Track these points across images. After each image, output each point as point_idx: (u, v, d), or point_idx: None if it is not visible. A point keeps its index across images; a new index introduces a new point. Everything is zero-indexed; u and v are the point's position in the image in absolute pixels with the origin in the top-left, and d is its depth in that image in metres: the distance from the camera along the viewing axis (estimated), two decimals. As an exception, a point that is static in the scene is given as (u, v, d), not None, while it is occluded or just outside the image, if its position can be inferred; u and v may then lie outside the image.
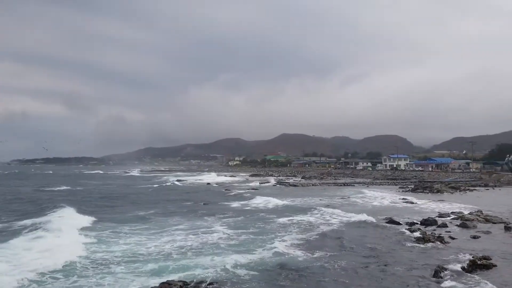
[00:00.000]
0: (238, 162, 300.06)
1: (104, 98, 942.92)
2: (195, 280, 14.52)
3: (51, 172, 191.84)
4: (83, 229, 25.56)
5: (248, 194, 56.20)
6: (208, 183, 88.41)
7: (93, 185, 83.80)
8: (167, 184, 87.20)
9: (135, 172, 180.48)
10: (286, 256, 18.43)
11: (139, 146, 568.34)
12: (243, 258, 17.80)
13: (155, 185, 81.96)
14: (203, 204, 42.70)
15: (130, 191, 65.49)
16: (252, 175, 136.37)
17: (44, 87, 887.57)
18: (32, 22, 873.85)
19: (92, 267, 16.72)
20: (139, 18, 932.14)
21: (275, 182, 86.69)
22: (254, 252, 19.24)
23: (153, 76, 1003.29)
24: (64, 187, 72.58)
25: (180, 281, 14.18)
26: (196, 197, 51.55)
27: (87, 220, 28.96)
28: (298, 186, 77.08)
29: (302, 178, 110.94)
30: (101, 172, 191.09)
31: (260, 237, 23.16)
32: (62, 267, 16.49)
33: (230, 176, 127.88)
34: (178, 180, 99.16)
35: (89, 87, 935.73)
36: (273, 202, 43.12)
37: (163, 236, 23.60)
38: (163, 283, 13.86)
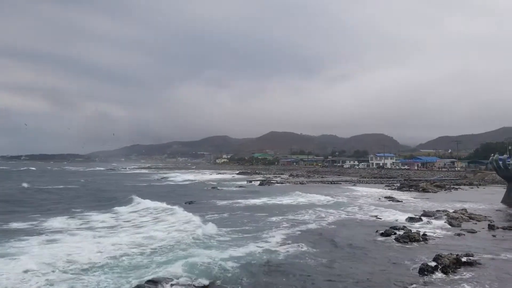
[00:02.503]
0: (225, 160, 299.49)
1: (89, 94, 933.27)
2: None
3: (49, 167, 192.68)
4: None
5: (236, 192, 56.23)
6: (197, 181, 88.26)
7: (119, 180, 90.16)
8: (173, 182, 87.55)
9: (134, 170, 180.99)
10: (273, 252, 18.43)
11: (125, 143, 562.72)
12: (230, 254, 17.80)
13: (186, 183, 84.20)
14: (189, 203, 42.36)
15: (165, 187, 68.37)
16: (239, 173, 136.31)
17: (27, 83, 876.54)
18: (14, 15, 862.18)
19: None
20: (125, 13, 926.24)
21: (262, 180, 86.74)
22: (242, 248, 19.19)
23: (139, 73, 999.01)
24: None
25: (166, 278, 14.08)
26: (181, 195, 51.32)
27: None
28: (285, 184, 77.20)
29: (289, 176, 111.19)
30: (102, 169, 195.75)
31: (247, 235, 23.10)
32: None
33: (218, 174, 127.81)
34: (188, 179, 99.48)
35: (74, 83, 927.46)
36: (260, 200, 43.25)
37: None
38: (148, 280, 13.73)
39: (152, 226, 26.48)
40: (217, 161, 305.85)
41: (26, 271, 14.95)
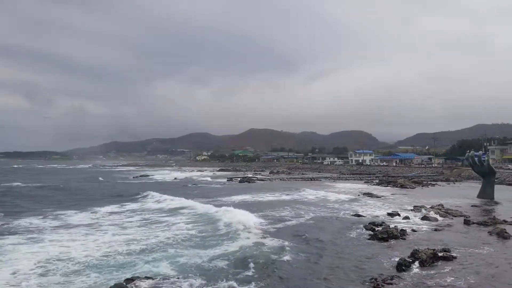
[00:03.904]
0: (206, 157, 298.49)
1: (66, 90, 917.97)
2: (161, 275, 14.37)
3: (35, 165, 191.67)
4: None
5: (217, 189, 56.07)
6: (177, 179, 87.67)
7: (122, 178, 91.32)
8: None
9: (116, 168, 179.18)
10: (252, 248, 18.44)
11: (104, 140, 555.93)
12: (211, 252, 17.76)
13: (167, 180, 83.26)
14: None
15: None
16: (220, 170, 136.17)
17: (1, 78, 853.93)
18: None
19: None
20: (105, 8, 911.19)
21: (243, 177, 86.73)
22: (222, 245, 19.18)
23: (118, 69, 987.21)
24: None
25: (146, 277, 13.96)
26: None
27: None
28: (266, 181, 77.35)
29: (270, 173, 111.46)
30: (87, 166, 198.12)
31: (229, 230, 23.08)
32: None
33: (198, 171, 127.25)
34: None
35: (51, 79, 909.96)
36: (241, 197, 43.32)
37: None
38: (127, 279, 13.58)
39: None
40: (197, 158, 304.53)
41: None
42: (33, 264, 16.13)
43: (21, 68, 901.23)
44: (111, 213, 31.82)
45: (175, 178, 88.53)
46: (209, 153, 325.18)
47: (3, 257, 17.20)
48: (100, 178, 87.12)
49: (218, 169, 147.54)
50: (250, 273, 14.83)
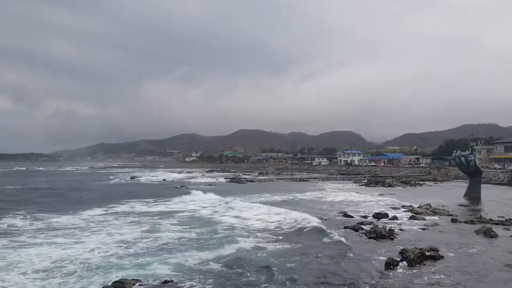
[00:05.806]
0: (195, 158, 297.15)
1: (52, 91, 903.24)
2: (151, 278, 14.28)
3: (37, 167, 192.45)
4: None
5: (206, 190, 55.91)
6: (166, 180, 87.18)
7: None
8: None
9: (117, 169, 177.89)
10: (243, 252, 18.41)
11: (91, 141, 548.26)
12: (202, 255, 17.67)
13: (155, 182, 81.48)
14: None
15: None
16: (209, 171, 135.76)
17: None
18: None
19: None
20: (90, 6, 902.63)
21: (232, 178, 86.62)
22: (212, 249, 19.10)
23: (106, 69, 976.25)
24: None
25: (133, 279, 13.84)
26: (150, 195, 50.64)
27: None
28: (255, 182, 77.29)
29: (259, 174, 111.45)
30: (85, 167, 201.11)
31: (215, 234, 23.05)
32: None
33: (187, 173, 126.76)
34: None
35: (37, 79, 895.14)
36: (234, 199, 43.26)
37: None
38: (115, 282, 13.45)
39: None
40: (186, 159, 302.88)
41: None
42: (50, 263, 16.31)
43: (4, 67, 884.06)
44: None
45: (164, 180, 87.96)
46: (198, 154, 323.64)
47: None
48: (118, 180, 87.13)
49: (207, 170, 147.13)
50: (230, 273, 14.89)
